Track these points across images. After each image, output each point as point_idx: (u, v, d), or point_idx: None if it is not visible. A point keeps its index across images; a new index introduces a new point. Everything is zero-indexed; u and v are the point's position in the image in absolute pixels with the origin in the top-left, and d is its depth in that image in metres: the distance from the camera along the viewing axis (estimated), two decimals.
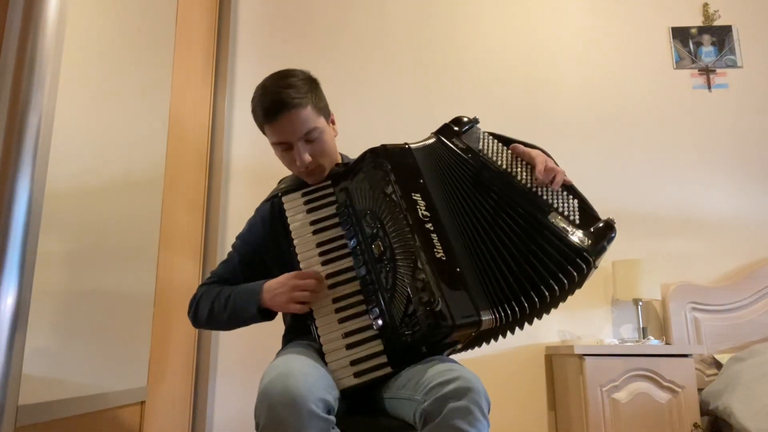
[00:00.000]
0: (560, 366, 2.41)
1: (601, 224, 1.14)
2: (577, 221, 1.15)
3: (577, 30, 2.87)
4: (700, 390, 2.19)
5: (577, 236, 1.12)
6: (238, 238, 1.46)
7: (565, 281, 1.11)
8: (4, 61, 1.23)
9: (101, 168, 1.61)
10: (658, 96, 2.79)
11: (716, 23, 2.86)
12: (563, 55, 2.84)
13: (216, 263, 2.55)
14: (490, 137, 1.30)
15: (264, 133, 1.33)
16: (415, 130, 2.74)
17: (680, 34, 2.85)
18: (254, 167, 2.71)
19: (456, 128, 1.33)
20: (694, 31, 2.86)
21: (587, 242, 1.11)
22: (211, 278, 1.43)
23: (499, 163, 1.24)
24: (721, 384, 2.15)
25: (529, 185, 1.20)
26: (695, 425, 2.10)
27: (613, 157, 2.72)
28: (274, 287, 1.24)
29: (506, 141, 1.28)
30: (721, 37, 2.85)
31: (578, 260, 1.10)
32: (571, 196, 1.19)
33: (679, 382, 2.14)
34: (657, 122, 2.77)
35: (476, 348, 1.29)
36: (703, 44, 2.84)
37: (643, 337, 2.38)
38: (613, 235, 1.14)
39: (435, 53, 2.85)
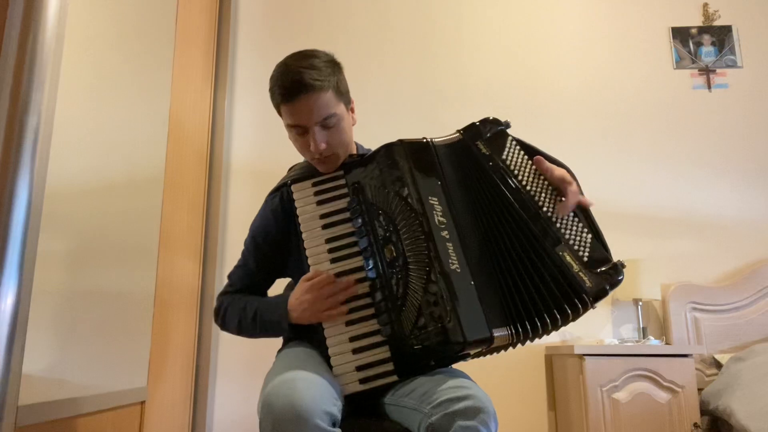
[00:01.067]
0: (560, 366, 2.41)
1: (608, 266, 1.09)
2: (585, 258, 1.10)
3: (577, 30, 2.87)
4: (700, 390, 2.19)
5: (580, 275, 1.08)
6: (250, 236, 1.41)
7: (559, 318, 1.08)
8: (4, 61, 1.23)
9: (101, 168, 1.61)
10: (658, 96, 2.79)
11: (716, 23, 2.86)
12: (563, 55, 2.84)
13: (216, 263, 2.55)
14: (517, 147, 1.23)
15: (279, 114, 1.26)
16: (415, 130, 2.74)
17: (680, 34, 2.85)
18: (254, 167, 2.71)
19: (483, 130, 1.26)
20: (694, 31, 2.86)
21: (588, 284, 1.07)
22: (231, 287, 1.40)
23: (520, 177, 1.18)
24: (721, 384, 2.15)
25: (545, 208, 1.15)
26: (695, 425, 2.10)
27: (612, 157, 2.72)
28: (298, 305, 1.21)
29: (533, 153, 1.22)
30: (721, 37, 2.85)
31: (576, 300, 1.07)
32: (586, 230, 1.13)
33: (679, 382, 2.14)
34: (657, 122, 2.76)
35: (485, 357, 1.28)
36: (703, 44, 2.84)
37: (643, 337, 2.38)
38: (619, 278, 1.09)
39: (435, 54, 2.85)
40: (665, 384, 2.15)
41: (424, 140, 1.26)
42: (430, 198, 1.18)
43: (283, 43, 2.85)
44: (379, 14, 2.89)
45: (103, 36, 1.64)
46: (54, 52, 1.30)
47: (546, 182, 1.17)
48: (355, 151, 1.36)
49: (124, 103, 1.76)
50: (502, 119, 1.28)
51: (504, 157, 1.21)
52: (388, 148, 1.25)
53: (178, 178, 2.24)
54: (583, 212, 1.18)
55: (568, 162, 1.27)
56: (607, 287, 1.08)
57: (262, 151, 2.72)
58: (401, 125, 2.76)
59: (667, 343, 2.42)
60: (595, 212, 1.19)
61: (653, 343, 2.26)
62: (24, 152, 1.21)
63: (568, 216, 1.14)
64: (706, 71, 2.82)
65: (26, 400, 1.22)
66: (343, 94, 1.26)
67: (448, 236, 1.14)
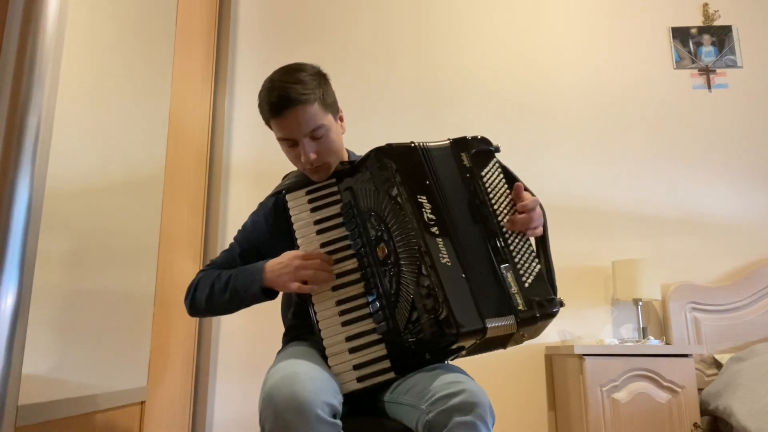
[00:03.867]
0: (560, 366, 2.41)
1: (541, 299, 1.13)
2: (526, 284, 1.14)
3: (577, 30, 2.87)
4: (700, 390, 2.19)
5: (515, 297, 1.12)
6: (240, 231, 1.44)
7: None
8: (4, 61, 1.23)
9: (101, 168, 1.61)
10: (658, 96, 2.79)
11: (716, 23, 2.86)
12: (563, 56, 2.84)
13: None
14: (498, 169, 1.28)
15: (270, 127, 1.31)
16: (414, 132, 2.75)
17: (680, 34, 2.86)
18: (254, 167, 2.71)
19: (471, 144, 1.30)
20: (694, 31, 2.86)
21: (521, 306, 1.11)
22: (209, 265, 1.42)
23: (491, 195, 1.23)
24: (721, 384, 2.15)
25: (504, 229, 1.19)
26: (695, 425, 2.10)
27: (613, 156, 2.72)
28: (277, 267, 1.23)
29: (512, 180, 1.27)
30: (721, 37, 2.85)
31: (506, 316, 1.10)
32: (536, 261, 1.18)
33: (679, 382, 2.14)
34: (657, 122, 2.77)
35: (482, 354, 1.28)
36: (703, 44, 2.84)
37: (643, 337, 2.39)
38: (553, 311, 1.12)
39: (435, 55, 2.85)
40: (665, 384, 2.15)
41: (412, 144, 1.30)
42: (418, 196, 1.20)
43: (283, 44, 2.85)
44: (379, 15, 2.89)
45: (103, 36, 1.64)
46: (54, 52, 1.31)
47: (514, 208, 1.22)
48: (346, 158, 1.39)
49: (124, 103, 1.76)
50: (494, 143, 1.32)
51: (483, 173, 1.26)
52: (377, 152, 1.28)
53: (178, 178, 2.24)
54: (542, 247, 1.24)
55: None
56: (537, 315, 1.11)
57: (261, 151, 2.72)
58: (401, 126, 2.76)
59: (667, 343, 2.42)
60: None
61: (653, 343, 2.26)
62: (24, 152, 1.22)
63: (525, 243, 1.19)
64: (706, 71, 2.82)
65: (26, 400, 1.22)
66: (329, 105, 1.30)
67: (438, 232, 1.17)
